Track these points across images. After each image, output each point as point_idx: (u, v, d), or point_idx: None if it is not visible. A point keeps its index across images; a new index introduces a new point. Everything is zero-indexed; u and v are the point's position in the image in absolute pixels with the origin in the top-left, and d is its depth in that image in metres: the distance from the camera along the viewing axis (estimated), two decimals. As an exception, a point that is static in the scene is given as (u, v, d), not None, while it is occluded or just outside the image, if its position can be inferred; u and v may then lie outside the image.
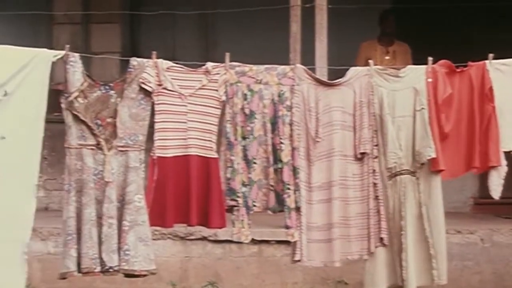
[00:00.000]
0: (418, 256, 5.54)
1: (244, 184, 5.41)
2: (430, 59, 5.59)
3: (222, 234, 7.21)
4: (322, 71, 6.83)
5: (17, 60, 4.90)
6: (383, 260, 5.62)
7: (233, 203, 5.38)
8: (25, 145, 4.86)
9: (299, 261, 5.52)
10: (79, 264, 5.10)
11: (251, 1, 8.19)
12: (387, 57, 8.72)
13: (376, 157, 5.57)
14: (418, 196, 5.57)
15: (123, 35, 10.12)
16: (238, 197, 5.37)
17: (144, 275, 5.21)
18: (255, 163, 5.45)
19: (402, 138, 5.58)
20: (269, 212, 5.52)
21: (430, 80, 5.56)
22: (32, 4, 9.06)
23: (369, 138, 5.54)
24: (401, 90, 5.60)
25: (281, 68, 5.57)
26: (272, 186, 5.47)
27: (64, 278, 5.13)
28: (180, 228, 7.25)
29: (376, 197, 5.56)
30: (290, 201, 5.44)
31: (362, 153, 5.53)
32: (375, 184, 5.56)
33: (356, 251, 5.54)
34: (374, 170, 5.56)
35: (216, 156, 5.36)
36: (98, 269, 5.10)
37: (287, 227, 5.48)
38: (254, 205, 5.42)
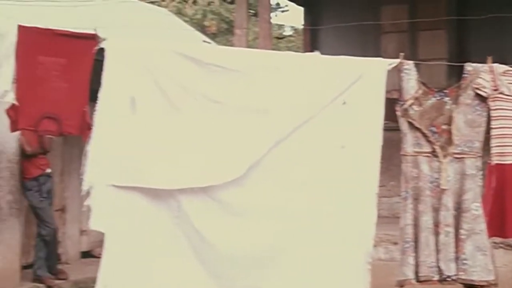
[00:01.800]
0: None
1: None
2: None
3: (557, 244, 6.86)
4: None
5: (353, 70, 4.99)
6: None
7: None
8: (364, 154, 4.91)
9: None
10: (416, 272, 5.10)
11: None
12: None
13: None
14: None
15: (449, 41, 10.01)
16: None
17: (483, 286, 5.09)
18: None
19: None
20: None
21: None
22: (361, 15, 9.32)
23: None
24: None
25: None
26: None
27: (402, 286, 5.14)
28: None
29: None
30: None
31: None
32: None
33: None
34: None
35: (560, 163, 5.10)
36: (436, 277, 5.07)
37: None
38: None
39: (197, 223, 4.95)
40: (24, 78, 5.06)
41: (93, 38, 5.03)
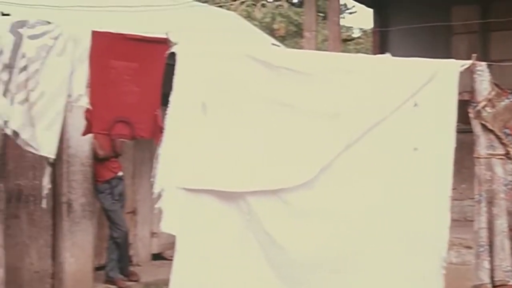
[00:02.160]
0: None
1: None
2: None
3: None
4: None
5: (425, 71, 4.92)
6: None
7: None
8: (437, 156, 4.83)
9: None
10: (491, 277, 5.00)
11: None
12: None
13: None
14: None
15: (522, 42, 9.84)
16: None
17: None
18: None
19: None
20: None
21: None
22: (431, 16, 9.22)
23: None
24: None
25: None
26: None
27: (477, 291, 5.06)
28: None
29: None
30: None
31: None
32: None
33: None
34: None
35: None
36: (512, 282, 4.98)
37: None
38: None
39: (267, 225, 4.95)
40: (97, 83, 5.16)
41: (164, 42, 5.08)
